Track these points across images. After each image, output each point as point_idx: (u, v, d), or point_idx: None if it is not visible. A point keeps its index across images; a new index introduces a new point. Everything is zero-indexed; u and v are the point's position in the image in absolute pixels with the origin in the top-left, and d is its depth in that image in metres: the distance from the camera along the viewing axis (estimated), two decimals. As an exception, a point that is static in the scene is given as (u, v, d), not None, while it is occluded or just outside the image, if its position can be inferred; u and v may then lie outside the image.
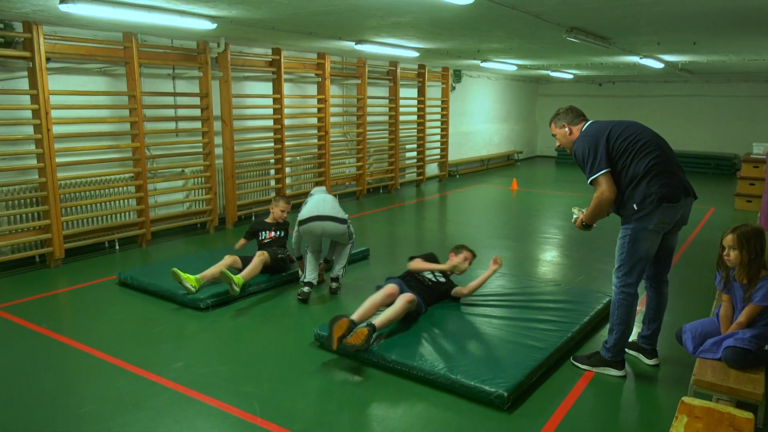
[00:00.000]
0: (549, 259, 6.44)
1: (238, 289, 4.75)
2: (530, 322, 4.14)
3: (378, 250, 6.62)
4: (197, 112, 7.36)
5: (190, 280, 4.72)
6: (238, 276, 4.81)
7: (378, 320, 3.75)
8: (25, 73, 5.76)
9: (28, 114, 5.82)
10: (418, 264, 4.50)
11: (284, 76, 8.34)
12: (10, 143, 5.79)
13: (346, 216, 4.98)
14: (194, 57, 7.18)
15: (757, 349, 3.11)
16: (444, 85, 12.23)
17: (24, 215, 5.89)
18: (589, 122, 3.58)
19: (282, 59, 8.13)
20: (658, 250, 3.55)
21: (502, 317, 4.23)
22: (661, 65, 10.05)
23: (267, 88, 8.36)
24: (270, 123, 8.32)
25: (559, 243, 7.14)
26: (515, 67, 11.59)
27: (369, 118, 10.29)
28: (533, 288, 4.88)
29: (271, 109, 8.30)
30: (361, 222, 8.32)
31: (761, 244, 3.15)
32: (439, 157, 12.45)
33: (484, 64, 10.65)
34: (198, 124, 7.39)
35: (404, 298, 3.91)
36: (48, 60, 5.81)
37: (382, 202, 9.87)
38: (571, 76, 14.54)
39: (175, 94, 7.05)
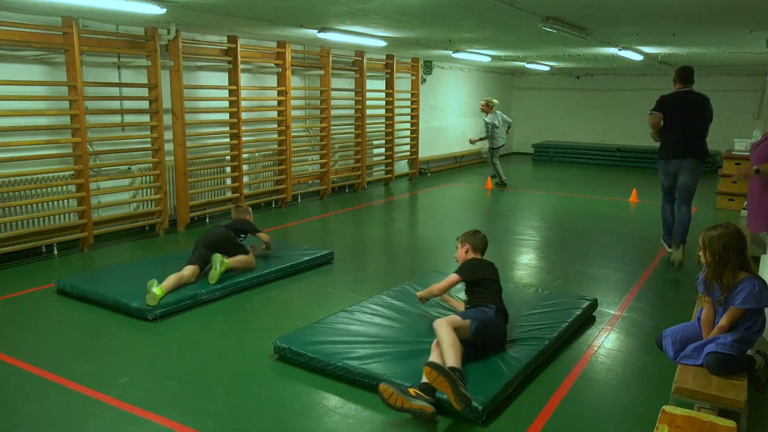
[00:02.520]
0: (525, 262, 6.52)
1: (218, 274, 5.12)
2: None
3: (343, 254, 6.60)
4: (145, 104, 7.25)
5: (157, 293, 4.66)
6: (224, 260, 5.22)
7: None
8: None
9: None
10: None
11: (241, 66, 8.27)
12: None
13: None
14: (142, 44, 7.06)
15: (740, 355, 3.19)
16: (414, 77, 12.28)
17: None
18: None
19: (238, 48, 8.06)
20: (674, 183, 6.39)
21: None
22: (640, 57, 10.28)
23: (222, 78, 8.27)
24: (226, 117, 8.23)
25: (536, 245, 7.24)
26: (489, 58, 11.70)
27: (334, 112, 10.27)
28: (509, 293, 4.92)
29: (227, 102, 8.21)
30: (326, 224, 8.30)
31: (738, 244, 3.24)
32: (409, 153, 12.50)
33: (456, 55, 10.72)
34: (146, 118, 7.28)
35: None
36: None
37: (348, 202, 9.86)
38: (548, 68, 14.76)
39: (120, 85, 6.92)
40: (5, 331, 4.47)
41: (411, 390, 3.20)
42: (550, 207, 9.67)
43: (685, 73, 6.27)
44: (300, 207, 9.35)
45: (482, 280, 3.98)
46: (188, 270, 5.05)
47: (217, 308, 4.91)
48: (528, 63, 13.02)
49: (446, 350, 3.38)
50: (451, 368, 3.27)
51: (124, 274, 5.34)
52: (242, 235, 5.72)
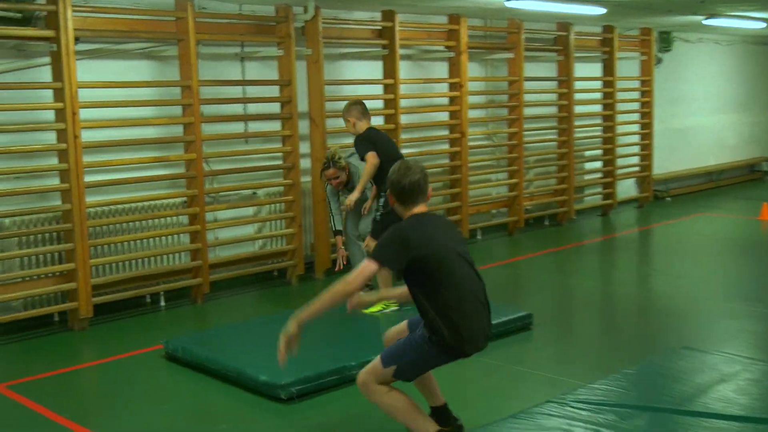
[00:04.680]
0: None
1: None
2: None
3: (543, 316, 6.43)
4: (275, 107, 7.62)
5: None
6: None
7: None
8: (48, 60, 6.23)
9: (50, 116, 6.28)
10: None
11: (399, 52, 8.43)
12: (26, 156, 6.28)
13: None
14: (271, 28, 7.47)
15: None
16: (645, 57, 11.92)
17: (41, 256, 6.33)
18: None
19: (396, 27, 8.27)
20: None
21: None
22: None
23: (374, 69, 8.55)
24: (379, 121, 8.46)
25: None
26: (764, 24, 11.08)
27: (527, 111, 10.17)
28: None
29: (381, 101, 8.44)
30: (516, 271, 8.19)
31: None
32: (638, 169, 12.11)
33: (709, 21, 10.30)
34: (276, 125, 7.64)
35: None
36: (77, 40, 6.22)
37: (549, 241, 9.71)
38: None
39: (244, 83, 7.35)
40: (102, 406, 4.83)
41: None
42: None
43: None
44: (479, 245, 9.30)
45: None
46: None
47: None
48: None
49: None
50: None
51: (250, 336, 5.57)
52: None
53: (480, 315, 3.82)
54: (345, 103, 6.47)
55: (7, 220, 6.14)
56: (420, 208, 3.80)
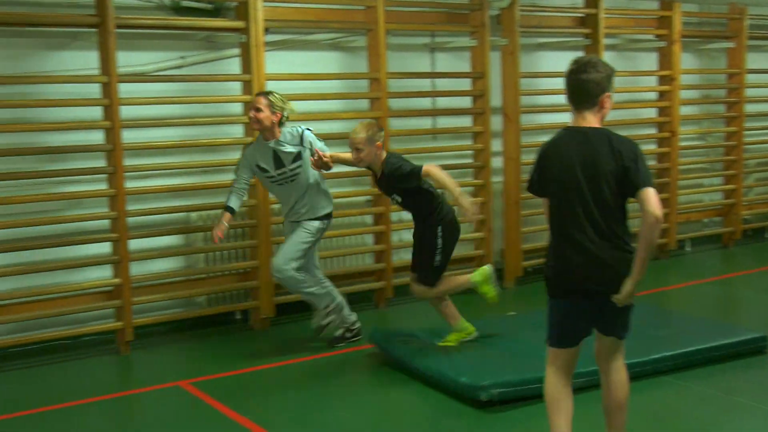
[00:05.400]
0: None
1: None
2: None
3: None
4: (466, 101, 7.44)
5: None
6: None
7: None
8: (236, 51, 6.33)
9: (237, 108, 6.38)
10: None
11: (603, 41, 8.03)
12: (213, 150, 6.38)
13: None
14: (464, 17, 7.27)
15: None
16: None
17: (224, 253, 6.43)
18: None
19: (601, 14, 7.86)
20: None
21: None
22: None
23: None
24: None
25: None
26: None
27: (749, 108, 9.52)
28: None
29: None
30: (732, 288, 7.82)
31: None
32: None
33: None
34: (466, 121, 7.46)
35: None
36: (266, 31, 6.30)
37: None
38: None
39: (434, 75, 7.19)
40: (285, 407, 4.87)
41: None
42: None
43: None
44: (688, 258, 9.00)
45: None
46: None
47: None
48: None
49: None
50: None
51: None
52: None
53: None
54: (541, 97, 6.00)
55: (194, 214, 6.31)
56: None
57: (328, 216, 5.76)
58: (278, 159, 5.57)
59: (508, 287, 7.55)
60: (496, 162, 7.59)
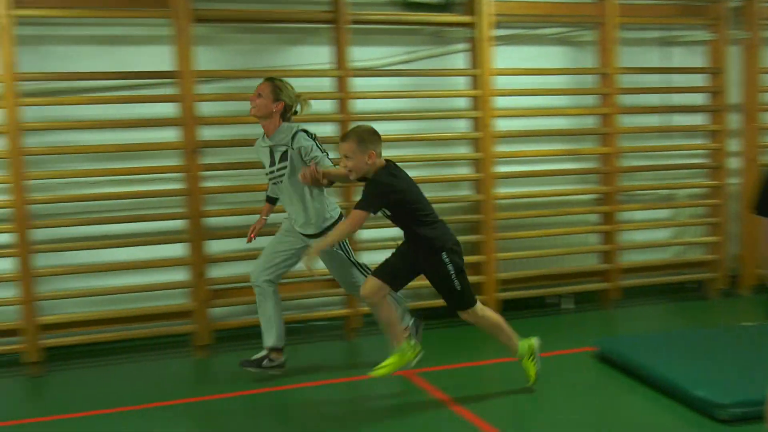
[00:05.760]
0: None
1: None
2: None
3: None
4: (699, 98, 7.15)
5: None
6: None
7: None
8: (463, 46, 6.38)
9: (462, 103, 6.42)
10: None
11: None
12: (439, 144, 6.44)
13: None
14: (700, 9, 6.98)
15: None
16: None
17: None
18: None
19: None
20: None
21: None
22: None
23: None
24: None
25: None
26: None
27: None
28: None
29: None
30: None
31: None
32: None
33: None
34: (699, 119, 7.16)
35: None
36: (496, 26, 6.29)
37: None
38: None
39: (667, 71, 6.97)
40: (510, 403, 4.78)
41: None
42: None
43: None
44: None
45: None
46: None
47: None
48: None
49: None
50: None
51: (685, 347, 5.37)
52: None
53: None
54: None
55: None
56: None
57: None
58: (272, 155, 5.01)
59: (743, 295, 7.22)
60: (733, 162, 7.25)
